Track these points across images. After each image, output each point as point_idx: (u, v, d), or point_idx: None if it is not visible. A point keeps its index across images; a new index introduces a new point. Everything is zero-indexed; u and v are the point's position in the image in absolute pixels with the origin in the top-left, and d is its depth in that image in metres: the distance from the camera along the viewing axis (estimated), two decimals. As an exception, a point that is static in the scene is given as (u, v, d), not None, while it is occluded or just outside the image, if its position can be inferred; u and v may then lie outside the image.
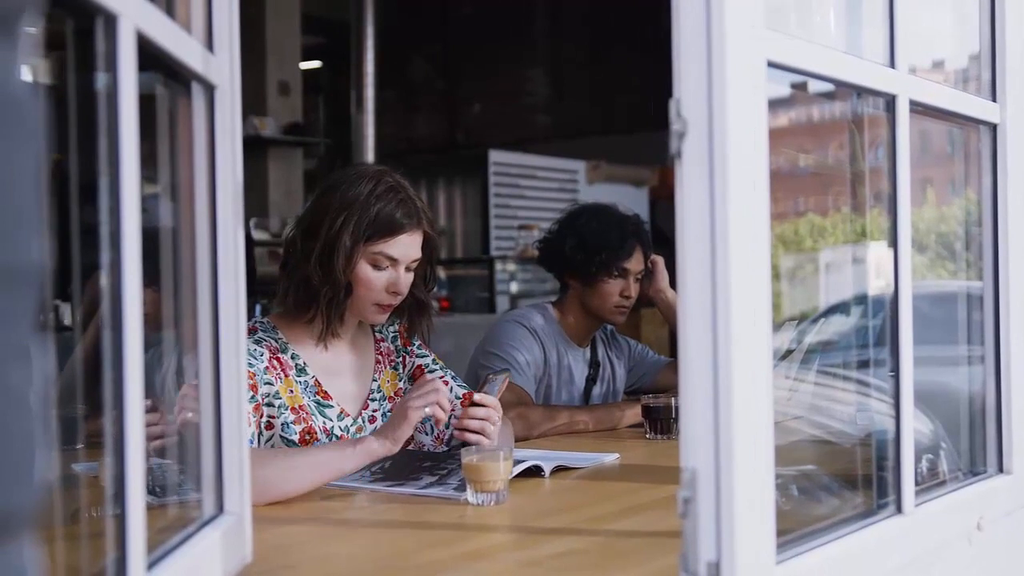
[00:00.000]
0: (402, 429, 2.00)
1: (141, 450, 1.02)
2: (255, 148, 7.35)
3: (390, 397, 2.37)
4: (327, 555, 1.63)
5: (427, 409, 2.01)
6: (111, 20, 0.99)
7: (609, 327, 3.21)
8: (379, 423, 2.30)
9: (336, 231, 2.16)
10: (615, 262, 3.00)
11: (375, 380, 2.36)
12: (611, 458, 2.37)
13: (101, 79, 1.01)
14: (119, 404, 1.00)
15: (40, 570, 0.61)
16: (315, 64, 10.31)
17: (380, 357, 2.39)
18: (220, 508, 1.37)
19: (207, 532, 1.30)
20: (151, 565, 1.08)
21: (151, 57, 1.11)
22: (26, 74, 0.57)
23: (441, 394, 2.03)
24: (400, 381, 2.41)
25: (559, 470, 2.19)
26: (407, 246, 2.23)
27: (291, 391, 2.19)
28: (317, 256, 2.17)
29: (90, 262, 1.02)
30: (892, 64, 1.54)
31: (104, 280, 1.00)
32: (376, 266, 2.21)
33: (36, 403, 0.54)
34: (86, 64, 1.02)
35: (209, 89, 1.35)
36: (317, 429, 2.20)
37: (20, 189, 0.51)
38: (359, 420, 2.29)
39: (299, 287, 2.21)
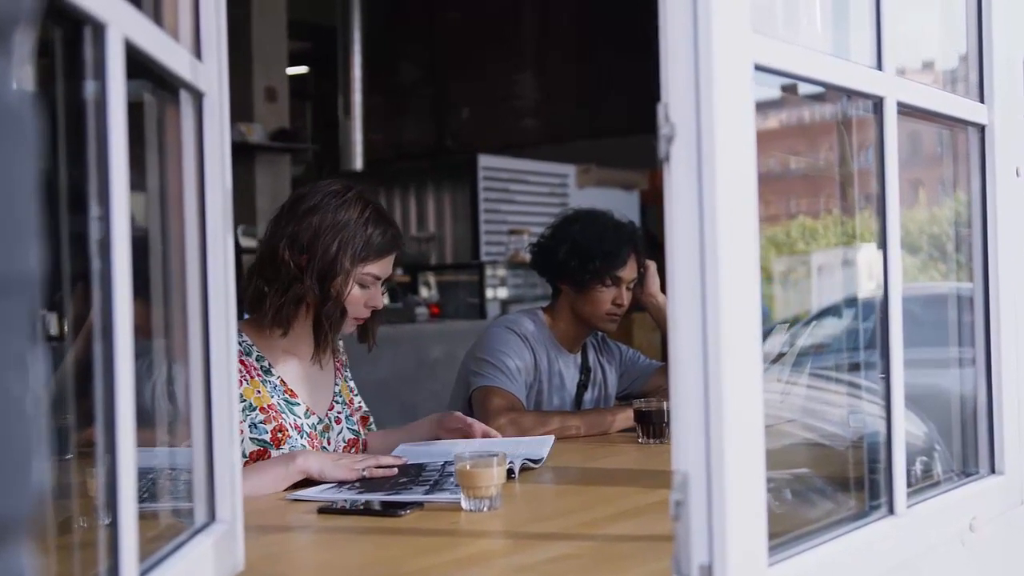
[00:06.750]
0: (331, 468, 2.11)
1: (133, 459, 1.01)
2: (242, 155, 7.33)
3: (348, 402, 2.49)
4: (319, 563, 1.63)
5: (364, 471, 2.13)
6: (99, 28, 0.99)
7: (600, 332, 3.21)
8: (344, 424, 2.43)
9: (334, 254, 2.26)
10: (609, 270, 2.97)
11: (336, 385, 2.48)
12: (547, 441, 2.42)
13: (89, 87, 1.01)
14: (110, 413, 1.00)
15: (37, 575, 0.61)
16: (302, 69, 10.30)
17: (339, 366, 2.51)
18: (212, 516, 1.37)
19: (199, 540, 1.30)
20: (143, 573, 1.08)
21: (138, 65, 1.11)
22: (21, 83, 0.57)
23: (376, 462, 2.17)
24: (351, 392, 2.53)
25: (526, 469, 2.22)
26: (390, 265, 2.37)
27: (258, 392, 2.26)
28: (315, 277, 2.26)
29: (79, 271, 1.02)
30: (879, 66, 1.54)
31: (95, 289, 1.00)
32: (362, 285, 2.32)
33: (33, 410, 0.55)
34: (73, 72, 1.01)
35: (197, 97, 1.35)
36: (288, 426, 2.28)
37: (18, 198, 0.52)
38: (325, 419, 2.39)
39: (291, 304, 2.28)
